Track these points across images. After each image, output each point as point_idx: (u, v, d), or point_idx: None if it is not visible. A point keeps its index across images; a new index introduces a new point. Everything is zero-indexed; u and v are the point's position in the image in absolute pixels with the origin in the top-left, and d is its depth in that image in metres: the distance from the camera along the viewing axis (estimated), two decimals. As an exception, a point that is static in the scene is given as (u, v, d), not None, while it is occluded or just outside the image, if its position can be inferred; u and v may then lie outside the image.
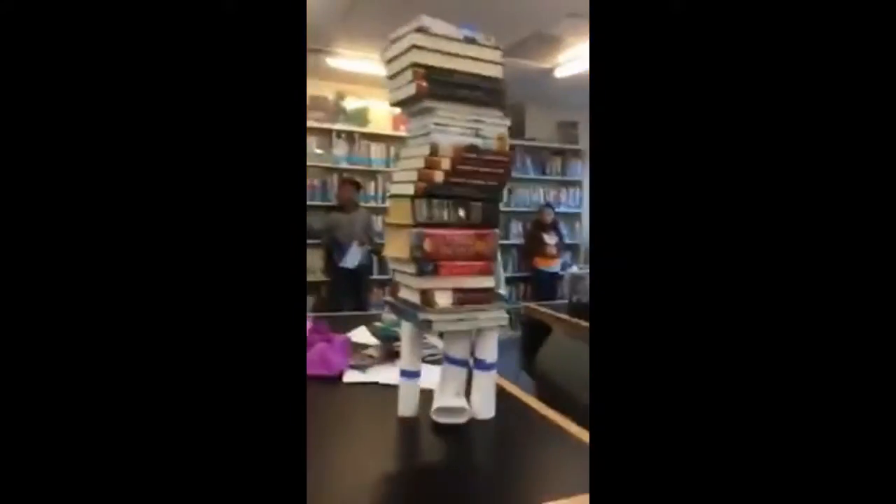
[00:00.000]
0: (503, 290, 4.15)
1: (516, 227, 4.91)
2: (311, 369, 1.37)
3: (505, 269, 4.41)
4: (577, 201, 5.20)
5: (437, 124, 1.08)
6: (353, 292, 3.47)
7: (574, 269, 2.83)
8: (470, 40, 1.10)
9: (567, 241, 4.83)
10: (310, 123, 4.01)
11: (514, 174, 4.86)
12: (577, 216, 5.22)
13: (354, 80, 3.99)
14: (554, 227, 4.61)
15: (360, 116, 4.46)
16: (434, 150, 1.07)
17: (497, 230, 1.16)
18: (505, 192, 4.87)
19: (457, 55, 1.08)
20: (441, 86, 1.07)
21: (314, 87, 4.04)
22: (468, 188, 1.11)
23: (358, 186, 3.92)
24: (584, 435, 1.08)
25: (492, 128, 1.13)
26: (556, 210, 4.76)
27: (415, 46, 1.04)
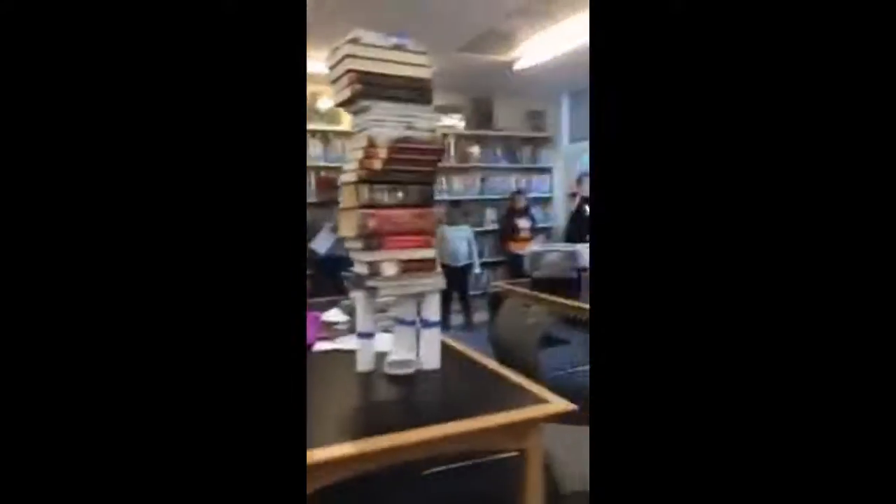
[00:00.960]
0: (478, 270, 4.38)
1: (491, 214, 5.11)
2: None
3: (481, 255, 4.62)
4: (549, 187, 5.41)
5: (373, 120, 1.27)
6: (333, 279, 3.64)
7: (535, 247, 3.02)
8: (399, 47, 1.29)
9: (540, 224, 5.04)
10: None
11: (487, 163, 5.05)
12: (549, 201, 5.42)
13: (327, 82, 4.15)
14: (526, 213, 4.81)
15: (334, 116, 4.64)
16: (371, 142, 1.26)
17: (433, 209, 1.35)
18: (478, 181, 4.97)
19: (387, 60, 1.27)
20: (374, 87, 1.26)
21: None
22: (405, 174, 1.30)
23: (335, 183, 4.07)
24: (512, 375, 1.29)
25: (423, 121, 1.32)
26: (528, 196, 4.96)
27: (348, 56, 1.23)
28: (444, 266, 4.65)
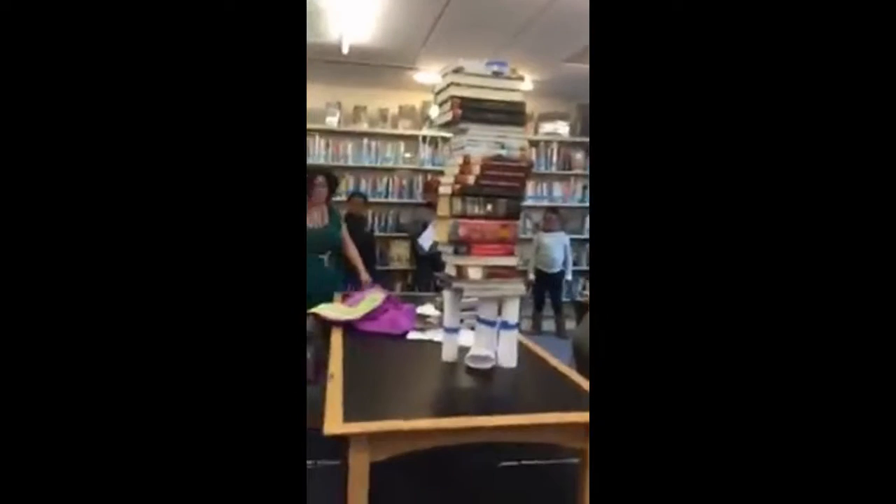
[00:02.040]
0: (569, 278, 4.39)
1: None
2: (383, 328, 1.80)
3: (576, 263, 4.60)
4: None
5: (469, 140, 1.43)
6: (433, 276, 3.89)
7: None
8: (497, 74, 1.44)
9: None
10: (400, 130, 4.51)
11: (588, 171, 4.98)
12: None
13: (439, 89, 4.41)
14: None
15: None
16: (466, 160, 1.42)
17: (518, 221, 1.48)
18: (580, 188, 4.90)
19: (485, 87, 1.42)
20: (472, 111, 1.42)
21: (404, 99, 4.54)
22: (494, 188, 1.45)
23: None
24: (583, 382, 1.38)
25: (514, 141, 1.46)
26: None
27: (452, 84, 1.40)
28: (537, 272, 4.68)
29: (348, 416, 1.08)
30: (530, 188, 4.66)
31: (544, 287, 4.35)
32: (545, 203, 4.69)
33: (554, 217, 4.40)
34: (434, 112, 1.67)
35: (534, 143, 4.54)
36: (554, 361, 1.58)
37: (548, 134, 4.68)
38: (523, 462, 1.96)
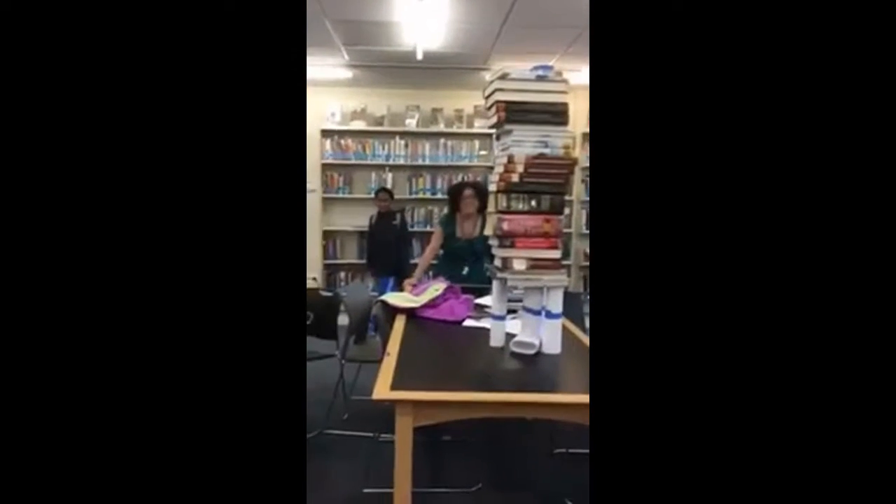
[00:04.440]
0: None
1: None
2: (441, 315, 1.96)
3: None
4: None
5: (514, 141, 1.54)
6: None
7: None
8: (541, 78, 1.53)
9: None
10: (474, 129, 4.65)
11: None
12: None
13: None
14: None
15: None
16: (511, 159, 1.53)
17: (561, 216, 1.56)
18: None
19: (528, 91, 1.52)
20: (516, 114, 1.52)
21: (477, 99, 4.67)
22: (538, 185, 1.54)
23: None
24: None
25: (557, 139, 1.54)
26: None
27: (497, 89, 1.52)
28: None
29: (396, 386, 1.25)
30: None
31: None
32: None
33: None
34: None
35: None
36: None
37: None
38: (570, 450, 2.03)
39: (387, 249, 3.90)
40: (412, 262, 3.93)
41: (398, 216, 4.05)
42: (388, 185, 4.33)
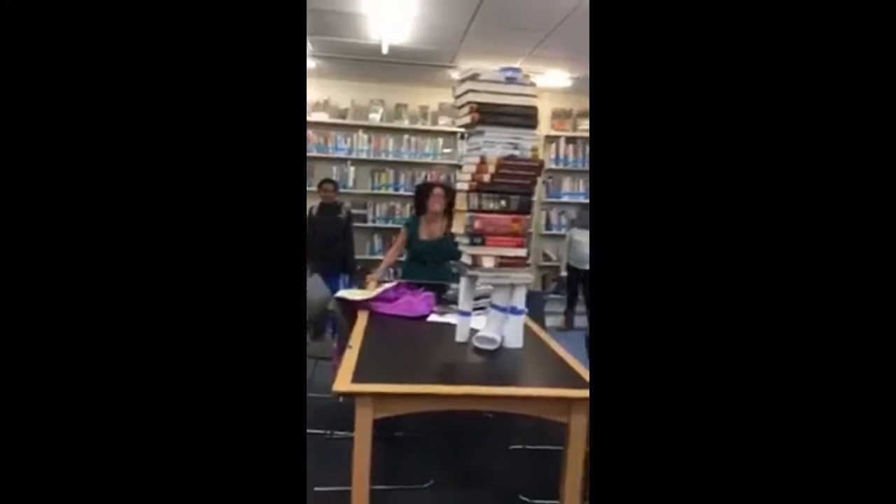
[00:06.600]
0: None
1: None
2: (399, 311, 1.99)
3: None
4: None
5: (486, 141, 1.57)
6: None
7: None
8: (510, 80, 1.57)
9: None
10: (438, 127, 4.67)
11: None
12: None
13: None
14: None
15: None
16: (482, 160, 1.56)
17: (529, 216, 1.61)
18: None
19: (500, 93, 1.55)
20: (488, 115, 1.55)
21: (442, 96, 4.69)
22: (508, 186, 1.58)
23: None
24: (578, 366, 1.50)
25: (527, 142, 1.59)
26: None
27: (471, 90, 1.55)
28: (570, 268, 4.67)
29: (356, 379, 1.26)
30: (566, 184, 4.71)
31: (577, 283, 4.41)
32: (581, 199, 4.73)
33: (588, 213, 4.44)
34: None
35: (571, 140, 4.59)
36: (555, 346, 1.70)
37: (587, 130, 4.71)
38: (527, 447, 2.10)
39: (331, 245, 3.66)
40: (358, 258, 3.76)
41: (343, 209, 3.83)
42: (351, 180, 4.27)
